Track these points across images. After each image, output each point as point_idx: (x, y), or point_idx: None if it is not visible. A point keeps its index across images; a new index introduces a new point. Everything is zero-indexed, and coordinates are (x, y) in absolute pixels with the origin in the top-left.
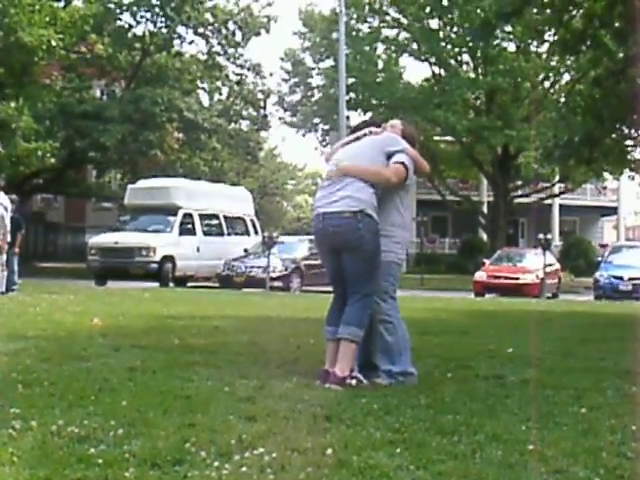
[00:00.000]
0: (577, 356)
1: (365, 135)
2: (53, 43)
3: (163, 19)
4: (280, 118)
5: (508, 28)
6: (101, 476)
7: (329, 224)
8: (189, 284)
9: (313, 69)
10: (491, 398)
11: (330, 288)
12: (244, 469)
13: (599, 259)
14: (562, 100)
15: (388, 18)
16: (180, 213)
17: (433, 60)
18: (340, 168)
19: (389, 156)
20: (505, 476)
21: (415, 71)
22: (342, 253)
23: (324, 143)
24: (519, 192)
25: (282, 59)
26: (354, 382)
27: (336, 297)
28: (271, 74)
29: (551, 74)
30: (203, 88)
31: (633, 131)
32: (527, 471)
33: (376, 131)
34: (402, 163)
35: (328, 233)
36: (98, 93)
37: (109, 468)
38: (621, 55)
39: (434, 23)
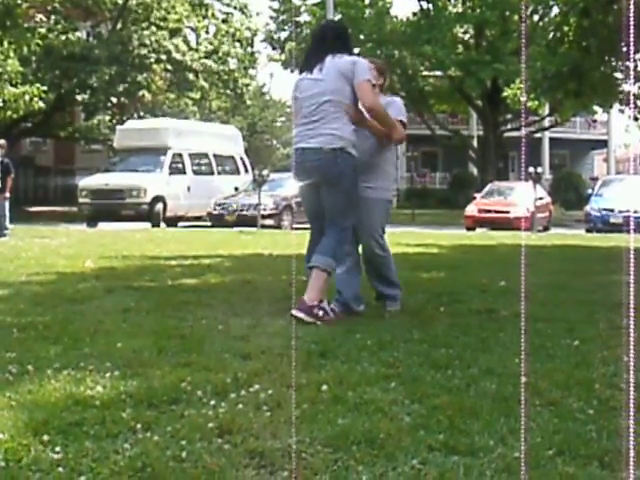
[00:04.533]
0: (569, 289)
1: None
2: None
3: None
4: (268, 56)
5: None
6: (98, 418)
7: (308, 159)
8: (180, 224)
9: (300, 7)
10: (484, 332)
11: None
12: (240, 407)
13: (589, 192)
14: (551, 33)
15: None
16: (170, 153)
17: None
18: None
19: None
20: (499, 409)
21: (403, 6)
22: (321, 187)
23: None
24: (509, 126)
25: None
26: (321, 313)
27: (313, 233)
28: (258, 14)
29: (540, 7)
30: (190, 27)
31: (621, 63)
32: (521, 404)
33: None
34: (400, 121)
35: (307, 168)
36: (84, 35)
37: (106, 410)
38: None
39: None
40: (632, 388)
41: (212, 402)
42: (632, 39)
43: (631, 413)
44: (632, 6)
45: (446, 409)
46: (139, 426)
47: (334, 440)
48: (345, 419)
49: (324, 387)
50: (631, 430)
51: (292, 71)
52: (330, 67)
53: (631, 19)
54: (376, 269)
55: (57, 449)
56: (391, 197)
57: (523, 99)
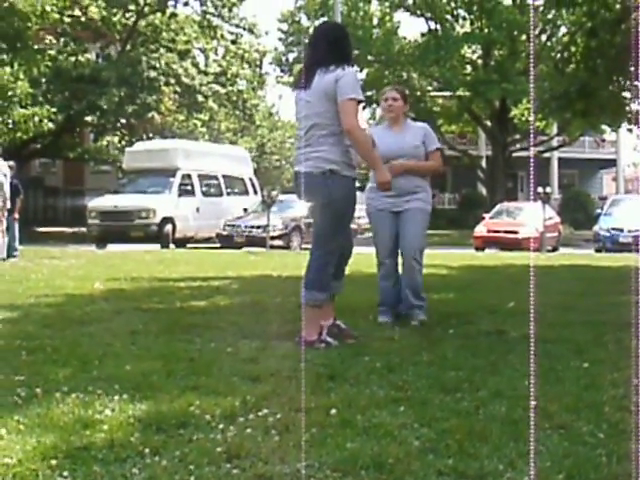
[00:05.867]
0: (578, 310)
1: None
2: (47, 8)
3: None
4: (277, 77)
5: None
6: (107, 441)
7: (301, 183)
8: (189, 245)
9: (309, 27)
10: (493, 354)
11: None
12: (249, 431)
13: (598, 212)
14: (559, 53)
15: None
16: (179, 174)
17: (429, 15)
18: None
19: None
20: (509, 433)
21: (411, 27)
22: (315, 209)
23: None
24: (518, 146)
25: (279, 20)
26: (323, 346)
27: None
28: (267, 33)
29: (548, 27)
30: (199, 48)
31: (630, 83)
32: (530, 427)
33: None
34: (437, 149)
35: (302, 191)
36: (94, 56)
37: (114, 433)
38: (618, 7)
39: None
40: None
41: (221, 426)
42: None
43: None
44: None
45: (455, 433)
46: (147, 450)
47: (343, 464)
48: (354, 443)
49: (333, 411)
50: None
51: None
52: (316, 86)
53: (639, 39)
54: (413, 278)
55: (65, 474)
56: (430, 210)
57: (531, 119)
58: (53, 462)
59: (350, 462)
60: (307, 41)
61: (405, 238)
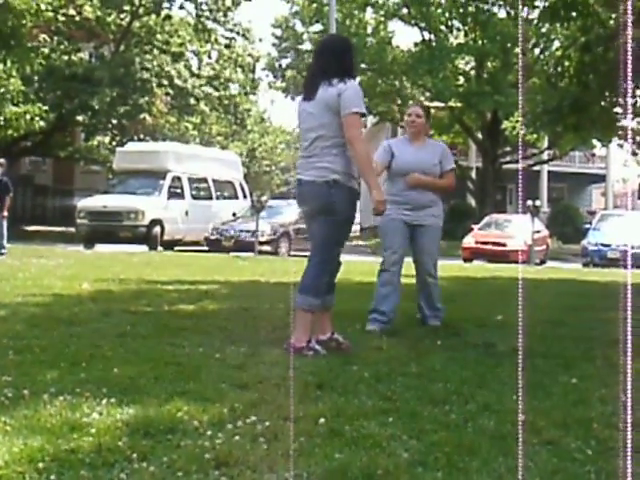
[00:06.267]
0: (566, 324)
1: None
2: (42, 7)
3: None
4: (269, 82)
5: None
6: (94, 445)
7: (304, 190)
8: (177, 248)
9: (303, 34)
10: (481, 367)
11: None
12: (237, 438)
13: (587, 226)
14: (552, 67)
15: None
16: (169, 177)
17: (423, 25)
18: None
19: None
20: (498, 447)
21: (405, 36)
22: (315, 217)
23: None
24: (508, 158)
25: (273, 25)
26: (311, 353)
27: None
28: (260, 39)
29: (541, 41)
30: (192, 51)
31: (621, 99)
32: (519, 442)
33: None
34: (452, 169)
35: (303, 199)
36: (87, 56)
37: (102, 437)
38: (612, 22)
39: None
40: (629, 428)
41: (209, 433)
42: (629, 75)
43: (629, 454)
44: (629, 41)
45: (444, 446)
46: (135, 455)
47: (331, 475)
48: (342, 454)
49: (321, 420)
50: (629, 472)
51: (292, 98)
52: (319, 99)
53: (629, 54)
54: (428, 292)
55: (52, 477)
56: (442, 224)
57: (521, 132)
58: (40, 465)
59: (339, 473)
60: (312, 52)
61: (421, 255)
